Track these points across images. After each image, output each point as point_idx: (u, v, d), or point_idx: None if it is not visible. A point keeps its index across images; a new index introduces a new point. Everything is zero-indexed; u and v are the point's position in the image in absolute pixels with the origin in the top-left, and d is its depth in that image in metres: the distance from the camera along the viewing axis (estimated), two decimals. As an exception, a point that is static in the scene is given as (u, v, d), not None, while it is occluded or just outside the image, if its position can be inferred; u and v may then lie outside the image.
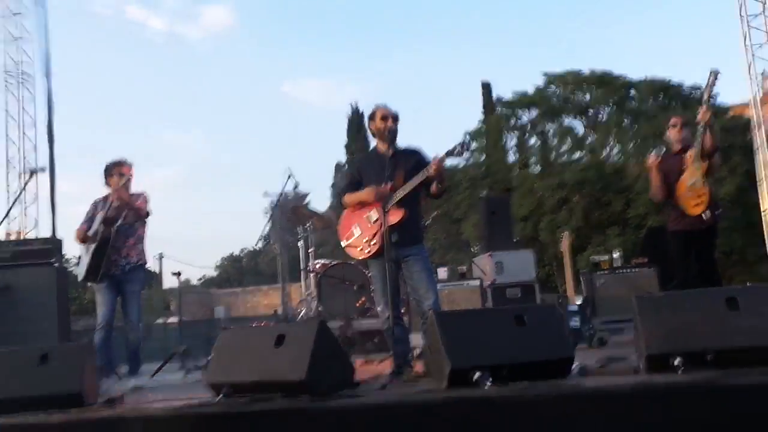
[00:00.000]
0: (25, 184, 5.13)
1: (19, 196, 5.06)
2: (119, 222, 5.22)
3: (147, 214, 5.42)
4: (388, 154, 4.40)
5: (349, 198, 4.59)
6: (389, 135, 4.42)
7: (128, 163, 5.42)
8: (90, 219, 5.38)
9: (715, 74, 4.83)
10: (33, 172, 5.42)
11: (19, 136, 8.90)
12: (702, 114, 4.86)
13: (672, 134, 5.29)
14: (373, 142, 4.75)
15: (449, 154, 4.19)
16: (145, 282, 5.59)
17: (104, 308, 5.19)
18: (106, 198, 5.38)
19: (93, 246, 5.13)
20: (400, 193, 4.28)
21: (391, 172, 4.33)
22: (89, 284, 5.35)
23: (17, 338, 5.36)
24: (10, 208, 5.12)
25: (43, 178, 5.26)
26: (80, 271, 5.30)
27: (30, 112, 9.40)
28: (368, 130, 4.64)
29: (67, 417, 3.17)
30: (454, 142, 4.18)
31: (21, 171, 6.67)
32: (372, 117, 4.55)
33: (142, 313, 5.45)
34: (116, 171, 5.32)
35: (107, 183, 5.35)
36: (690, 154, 5.03)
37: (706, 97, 4.88)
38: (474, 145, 26.63)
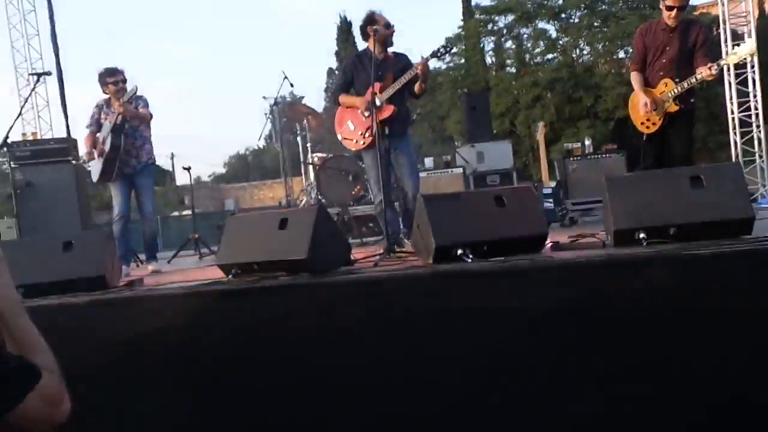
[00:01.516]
0: (34, 86, 4.88)
1: (29, 97, 4.82)
2: (126, 128, 5.03)
3: (150, 117, 5.22)
4: (380, 57, 4.46)
5: (344, 99, 4.63)
6: (387, 41, 4.47)
7: (120, 70, 5.16)
8: (96, 122, 5.17)
9: (445, 46, 4.36)
10: (39, 75, 5.11)
11: (24, 45, 8.51)
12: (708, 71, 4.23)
13: (665, 16, 4.47)
14: (363, 47, 4.71)
15: (433, 55, 4.27)
16: (155, 177, 5.44)
17: (119, 200, 5.08)
18: (108, 101, 5.14)
19: (105, 153, 4.96)
20: (390, 91, 4.35)
21: (381, 73, 4.39)
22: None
23: (43, 230, 5.29)
24: (22, 108, 4.87)
25: (53, 84, 4.98)
26: (93, 173, 5.16)
27: (33, 24, 8.94)
28: (365, 34, 4.49)
29: (92, 298, 3.14)
30: (436, 45, 4.38)
31: (29, 76, 6.36)
32: (373, 21, 4.46)
33: (154, 206, 5.36)
34: (111, 80, 5.07)
35: (104, 90, 5.09)
36: (669, 84, 4.45)
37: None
38: (454, 49, 25.93)
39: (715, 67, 4.25)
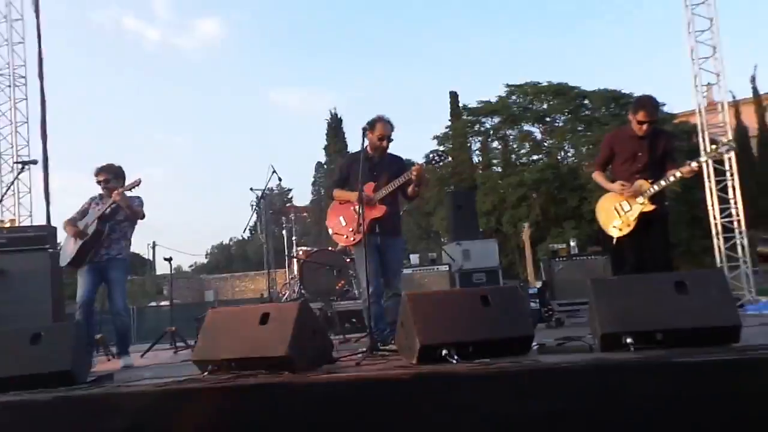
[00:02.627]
0: (18, 173, 4.92)
1: (11, 185, 4.83)
2: (112, 220, 5.04)
3: (142, 217, 5.23)
4: (376, 158, 4.65)
5: (338, 194, 4.76)
6: (381, 150, 4.64)
7: (102, 169, 5.22)
8: (83, 212, 5.18)
9: (439, 154, 4.70)
10: (24, 164, 5.17)
11: (11, 132, 8.68)
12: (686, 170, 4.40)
13: (635, 126, 4.61)
14: (352, 143, 5.03)
15: (428, 163, 4.53)
16: (127, 272, 5.30)
17: (83, 288, 4.97)
18: (102, 196, 5.18)
19: (85, 238, 4.93)
20: (383, 192, 4.49)
21: (377, 174, 4.57)
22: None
23: (13, 320, 5.14)
24: (3, 196, 4.87)
25: (37, 172, 5.03)
26: (63, 257, 5.08)
27: (23, 112, 9.18)
28: (362, 132, 4.58)
29: (56, 395, 3.01)
30: (430, 152, 4.80)
31: (14, 163, 6.43)
32: (372, 128, 4.60)
33: (127, 298, 5.25)
34: (96, 179, 5.16)
35: (106, 186, 5.13)
36: (644, 184, 4.51)
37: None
38: (442, 147, 26.82)
39: (694, 163, 4.38)
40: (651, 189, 4.51)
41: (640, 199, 4.54)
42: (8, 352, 3.32)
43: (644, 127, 4.57)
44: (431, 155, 4.54)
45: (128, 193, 4.96)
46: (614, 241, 4.68)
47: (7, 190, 4.89)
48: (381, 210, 4.44)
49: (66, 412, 2.95)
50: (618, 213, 4.62)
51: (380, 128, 4.57)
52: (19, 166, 5.39)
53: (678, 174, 4.43)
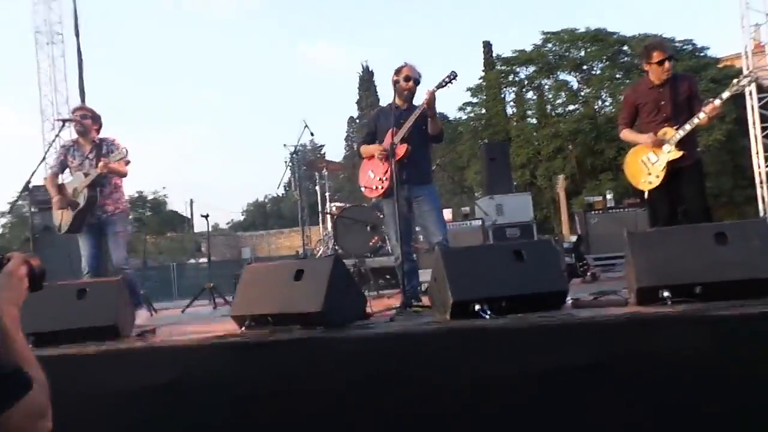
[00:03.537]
0: (59, 131, 4.99)
1: (53, 142, 4.88)
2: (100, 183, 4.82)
3: (126, 174, 4.96)
4: (403, 107, 4.48)
5: (364, 149, 4.65)
6: (407, 94, 4.47)
7: (83, 107, 5.01)
8: (60, 163, 5.01)
9: (451, 75, 4.23)
10: (65, 122, 5.17)
11: (51, 90, 8.83)
12: None
13: (654, 71, 4.38)
14: (383, 98, 4.81)
15: (439, 86, 4.22)
16: (127, 224, 5.12)
17: (86, 255, 4.86)
18: (75, 142, 5.01)
19: (78, 207, 4.78)
20: (403, 131, 4.31)
21: (402, 122, 4.37)
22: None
23: (57, 275, 5.30)
24: (46, 153, 4.93)
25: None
26: (61, 224, 4.90)
27: (61, 69, 9.30)
28: (391, 83, 4.51)
29: (103, 348, 3.15)
30: (442, 75, 4.24)
31: (54, 120, 6.53)
32: (398, 72, 4.50)
33: (127, 253, 5.03)
34: (73, 114, 4.95)
35: (84, 132, 4.94)
36: (668, 131, 4.31)
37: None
38: (475, 99, 26.34)
39: (717, 101, 4.16)
40: (676, 135, 4.30)
41: (667, 147, 4.34)
42: (56, 306, 3.45)
43: (665, 66, 4.33)
44: (443, 78, 4.22)
45: (115, 151, 4.75)
46: (646, 194, 4.53)
47: (49, 148, 4.94)
48: (403, 149, 4.24)
49: (112, 365, 3.08)
50: (646, 165, 4.46)
51: (406, 70, 4.45)
52: (60, 123, 5.38)
53: (702, 115, 4.21)
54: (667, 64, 4.35)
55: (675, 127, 4.33)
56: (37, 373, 1.31)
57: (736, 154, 18.08)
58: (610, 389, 2.53)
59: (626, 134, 4.68)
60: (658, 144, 4.38)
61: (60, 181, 5.02)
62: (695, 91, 4.44)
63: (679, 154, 4.30)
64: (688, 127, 4.28)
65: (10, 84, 55.02)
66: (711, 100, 4.23)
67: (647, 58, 4.44)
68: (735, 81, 4.21)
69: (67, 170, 5.05)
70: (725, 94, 4.18)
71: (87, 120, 4.95)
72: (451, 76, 4.23)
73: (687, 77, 4.65)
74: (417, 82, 4.46)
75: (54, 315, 3.33)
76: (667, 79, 4.39)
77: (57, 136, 5.20)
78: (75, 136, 5.09)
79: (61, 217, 4.92)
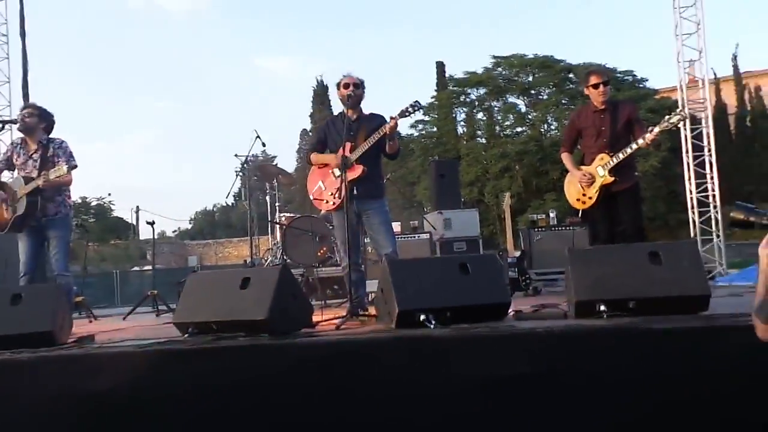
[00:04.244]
0: (-1, 131, 4.82)
1: (-6, 142, 4.74)
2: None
3: (70, 181, 4.81)
4: (353, 117, 4.45)
5: (315, 158, 4.62)
6: (350, 101, 4.43)
7: (29, 104, 4.87)
8: (6, 161, 4.87)
9: (414, 104, 4.28)
10: (4, 123, 5.00)
11: None
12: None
13: (592, 94, 4.58)
14: (337, 112, 4.71)
15: (402, 114, 4.24)
16: (69, 229, 4.95)
17: (25, 257, 4.70)
18: (23, 141, 4.85)
19: (18, 212, 4.60)
20: (360, 151, 4.32)
21: (354, 134, 4.37)
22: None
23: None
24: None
25: (18, 133, 4.82)
26: None
27: (5, 71, 8.96)
28: (337, 98, 4.55)
29: (37, 355, 3.01)
30: (406, 104, 4.23)
31: (-5, 124, 6.31)
32: (338, 85, 4.53)
33: (67, 258, 4.85)
34: (19, 114, 4.84)
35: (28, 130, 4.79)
36: (604, 157, 4.48)
37: None
38: (427, 117, 26.69)
39: (648, 135, 4.34)
40: (611, 161, 4.49)
41: (601, 172, 4.53)
42: (-12, 312, 3.29)
43: (601, 90, 4.54)
44: (406, 107, 4.24)
45: (62, 155, 4.66)
46: (579, 213, 4.73)
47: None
48: (358, 170, 4.25)
49: (48, 372, 2.95)
50: (582, 187, 4.64)
51: (344, 80, 4.46)
52: (0, 125, 5.19)
53: (635, 146, 4.41)
54: (602, 88, 4.54)
55: (610, 154, 4.50)
56: None
57: (670, 180, 18.88)
58: (550, 398, 2.58)
59: (564, 159, 4.88)
60: (587, 183, 4.58)
61: (3, 179, 4.82)
62: (635, 117, 4.62)
63: (611, 179, 4.49)
64: (620, 156, 4.45)
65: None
66: (643, 135, 4.37)
67: (586, 82, 4.66)
68: (666, 118, 4.40)
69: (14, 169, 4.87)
70: (656, 129, 4.37)
71: (32, 118, 4.77)
72: (415, 106, 4.26)
73: (627, 104, 4.83)
74: (358, 86, 4.45)
75: (-14, 319, 3.18)
76: (606, 106, 4.57)
77: None
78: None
79: (1, 215, 4.71)
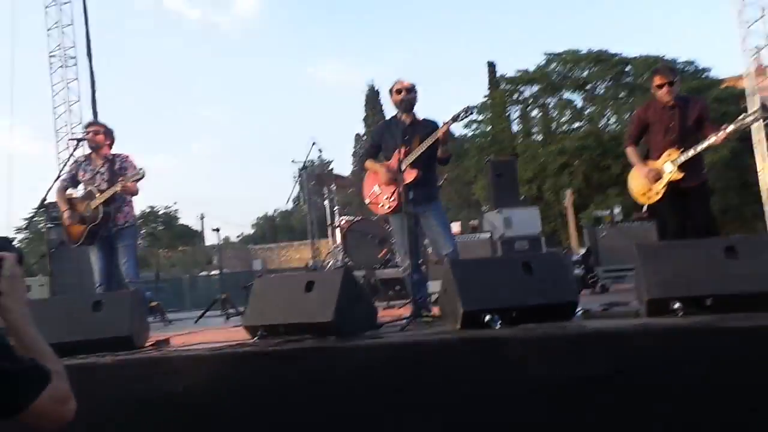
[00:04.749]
0: (73, 150, 5.06)
1: (68, 160, 4.99)
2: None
3: (137, 192, 5.01)
4: (407, 122, 4.48)
5: (369, 165, 4.66)
6: (404, 104, 4.47)
7: (95, 122, 5.18)
8: (71, 177, 5.09)
9: (467, 109, 4.25)
10: (79, 141, 5.29)
11: (66, 111, 9.02)
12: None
13: (658, 94, 4.47)
14: (389, 116, 4.74)
15: (454, 119, 4.25)
16: (136, 238, 5.22)
17: (98, 268, 4.92)
18: (87, 156, 5.09)
19: (92, 224, 4.84)
20: (414, 155, 4.35)
21: (408, 138, 4.40)
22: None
23: (73, 288, 5.32)
24: (61, 172, 5.00)
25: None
26: (71, 238, 4.97)
27: (75, 91, 9.50)
28: (390, 103, 4.58)
29: (117, 358, 3.13)
30: (458, 109, 4.25)
31: (69, 140, 6.62)
32: (391, 90, 4.56)
33: (137, 266, 5.10)
34: (86, 131, 5.02)
35: (97, 147, 5.03)
36: (673, 153, 4.37)
37: None
38: (480, 117, 26.39)
39: (721, 133, 4.17)
40: (680, 157, 4.35)
41: (669, 167, 4.39)
42: (73, 318, 3.45)
43: (665, 90, 4.41)
44: (458, 112, 4.25)
45: (129, 168, 4.86)
46: (644, 208, 4.64)
47: (64, 166, 5.04)
48: (413, 174, 4.28)
49: (126, 374, 3.07)
50: (647, 181, 4.51)
51: (396, 85, 4.48)
52: (74, 142, 5.48)
53: (706, 143, 4.25)
54: (666, 89, 4.42)
55: (680, 150, 4.37)
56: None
57: (742, 170, 17.96)
58: (621, 400, 2.49)
59: (629, 153, 4.75)
60: (653, 178, 4.46)
61: (69, 195, 5.08)
62: (706, 115, 4.48)
63: (680, 175, 4.35)
64: (691, 152, 4.31)
65: (27, 103, 55.58)
66: (715, 132, 4.21)
67: (652, 82, 4.56)
68: (742, 116, 4.20)
69: (80, 185, 5.11)
70: (730, 128, 4.18)
71: (99, 136, 5.04)
72: (468, 111, 4.26)
73: (697, 101, 4.66)
74: (410, 90, 4.46)
75: (70, 326, 3.34)
76: (676, 102, 4.44)
77: (71, 155, 5.29)
78: (88, 151, 5.16)
79: (74, 231, 4.95)
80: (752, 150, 8.45)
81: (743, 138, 15.14)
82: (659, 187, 4.46)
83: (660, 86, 4.44)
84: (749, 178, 14.58)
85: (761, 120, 4.13)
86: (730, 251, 2.87)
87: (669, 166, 4.40)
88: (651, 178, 4.48)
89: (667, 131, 4.47)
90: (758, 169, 8.51)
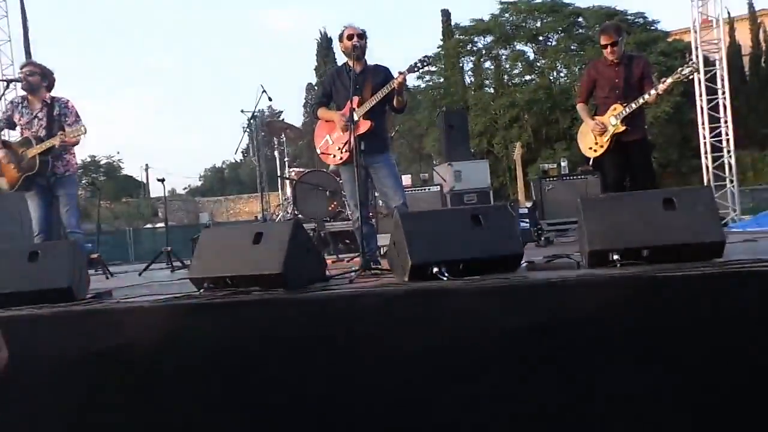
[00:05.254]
0: (3, 92, 4.76)
1: (-2, 103, 4.74)
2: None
3: (78, 141, 4.76)
4: (357, 69, 4.38)
5: (321, 113, 4.58)
6: (355, 51, 4.36)
7: (31, 62, 4.92)
8: (7, 119, 4.85)
9: (424, 59, 4.20)
10: (9, 82, 4.98)
11: None
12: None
13: (604, 52, 4.76)
14: (342, 62, 4.62)
15: (410, 69, 4.18)
16: (76, 187, 5.04)
17: (37, 217, 4.74)
18: (24, 98, 4.82)
19: (29, 173, 4.63)
20: (368, 105, 4.29)
21: (360, 87, 4.31)
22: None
23: (7, 239, 5.11)
24: (-12, 117, 4.73)
25: (22, 91, 4.78)
26: (4, 182, 4.77)
27: (5, 30, 8.89)
28: (340, 51, 4.47)
29: (56, 310, 3.06)
30: (414, 59, 4.19)
31: (-2, 83, 6.29)
32: (341, 37, 4.45)
33: (78, 216, 4.91)
34: (20, 71, 4.81)
35: (33, 89, 4.76)
36: (617, 107, 4.64)
37: None
38: (433, 68, 26.23)
39: (660, 86, 4.49)
40: (623, 111, 4.62)
41: (613, 121, 4.67)
42: (8, 269, 3.34)
43: (608, 50, 4.69)
44: (415, 62, 4.19)
45: (69, 114, 4.68)
46: (590, 161, 4.92)
47: (-7, 110, 4.76)
48: (366, 125, 4.22)
49: (67, 327, 3.01)
50: (594, 136, 4.81)
51: (346, 31, 4.37)
52: (4, 84, 5.16)
53: (646, 97, 4.54)
54: (609, 48, 4.70)
55: (623, 105, 4.65)
56: None
57: (683, 125, 18.60)
58: (564, 348, 2.59)
59: (580, 109, 5.04)
60: (600, 131, 4.74)
61: (5, 137, 4.82)
62: (647, 73, 4.76)
63: (622, 128, 4.63)
64: (633, 105, 4.60)
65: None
66: (659, 82, 4.55)
67: (599, 40, 4.84)
68: (678, 70, 4.49)
69: (17, 128, 4.86)
70: (668, 81, 4.48)
71: (34, 77, 4.74)
72: (424, 61, 4.21)
73: (640, 59, 4.95)
74: (362, 36, 4.37)
75: (6, 277, 3.23)
76: (621, 60, 4.72)
77: (2, 96, 4.98)
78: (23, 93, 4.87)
79: (9, 174, 4.72)
80: (694, 105, 8.70)
81: (685, 92, 15.60)
82: (604, 141, 4.74)
83: (604, 46, 4.72)
84: (689, 133, 15.14)
85: (696, 72, 4.36)
86: (668, 203, 2.98)
87: (613, 120, 4.68)
88: (597, 132, 4.75)
89: (612, 87, 4.75)
90: (698, 124, 8.80)
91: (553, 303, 2.67)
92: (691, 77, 4.49)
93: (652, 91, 4.51)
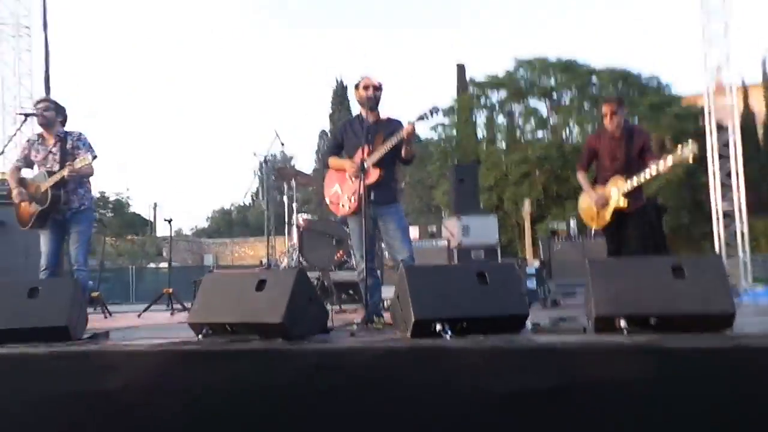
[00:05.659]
0: (20, 125, 4.84)
1: (13, 136, 4.78)
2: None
3: (92, 172, 4.84)
4: (370, 120, 4.43)
5: (332, 162, 4.61)
6: (369, 102, 4.41)
7: (46, 99, 4.93)
8: (24, 158, 4.91)
9: (433, 109, 4.23)
10: (27, 116, 5.06)
11: (16, 84, 8.67)
12: None
13: (606, 123, 4.82)
14: (356, 113, 4.68)
15: (420, 118, 4.21)
16: (91, 224, 5.03)
17: (46, 251, 4.75)
18: (40, 136, 4.90)
19: (42, 206, 4.67)
20: (377, 155, 4.29)
21: (371, 136, 4.34)
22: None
23: (13, 273, 5.11)
24: (5, 147, 4.78)
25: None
26: (20, 219, 4.82)
27: (27, 63, 9.13)
28: (355, 99, 4.56)
29: (51, 349, 3.03)
30: (424, 108, 4.21)
31: (16, 114, 6.34)
32: (357, 86, 4.51)
33: (87, 253, 4.91)
34: (35, 108, 4.87)
35: (48, 124, 4.84)
36: (618, 180, 4.69)
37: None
38: (446, 120, 26.65)
39: (662, 165, 4.47)
40: (626, 186, 4.66)
41: (615, 195, 4.71)
42: (6, 304, 3.33)
43: (608, 119, 4.76)
44: (424, 111, 4.20)
45: (81, 147, 4.71)
46: (593, 231, 4.97)
47: (9, 142, 4.83)
48: (376, 174, 4.24)
49: (61, 367, 2.97)
50: (597, 207, 4.85)
51: (363, 81, 4.42)
52: (22, 117, 5.24)
53: (647, 175, 4.57)
54: (609, 117, 4.78)
55: (626, 179, 4.69)
56: None
57: (695, 190, 18.62)
58: (567, 415, 2.54)
59: (580, 177, 5.12)
60: (602, 205, 4.81)
61: (22, 175, 4.89)
62: (648, 146, 4.82)
63: (626, 204, 4.68)
64: (635, 181, 4.63)
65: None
66: (657, 163, 4.51)
67: (600, 110, 4.97)
68: (679, 152, 4.40)
69: (34, 166, 4.93)
70: (669, 161, 4.46)
71: (50, 112, 4.84)
72: (433, 110, 4.22)
73: (641, 132, 5.00)
74: (377, 88, 4.42)
75: (4, 313, 3.22)
76: (622, 133, 4.79)
77: (18, 130, 5.05)
78: (39, 130, 4.97)
79: (23, 211, 4.77)
80: (706, 170, 8.73)
81: (698, 157, 15.70)
82: (606, 215, 4.81)
83: (605, 114, 4.80)
84: (701, 197, 15.13)
85: (695, 155, 4.36)
86: (678, 271, 2.96)
87: (614, 193, 4.73)
88: (599, 204, 4.81)
89: (614, 159, 4.81)
90: (711, 189, 8.80)
91: (557, 368, 2.63)
92: (690, 161, 4.43)
93: (654, 167, 4.51)
